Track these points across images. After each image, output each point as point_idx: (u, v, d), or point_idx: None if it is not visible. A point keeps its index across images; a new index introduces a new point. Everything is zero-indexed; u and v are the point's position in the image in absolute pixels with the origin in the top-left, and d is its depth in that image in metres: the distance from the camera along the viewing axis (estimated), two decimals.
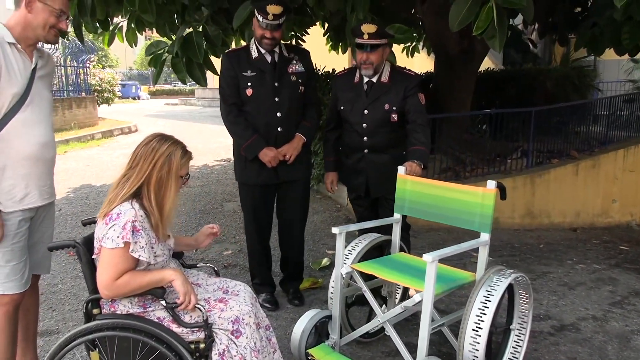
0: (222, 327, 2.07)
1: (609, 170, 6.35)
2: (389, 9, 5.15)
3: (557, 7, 6.19)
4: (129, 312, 2.05)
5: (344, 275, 2.72)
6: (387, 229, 3.04)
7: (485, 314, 2.29)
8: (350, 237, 2.97)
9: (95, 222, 2.12)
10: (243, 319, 2.10)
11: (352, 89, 3.30)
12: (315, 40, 6.91)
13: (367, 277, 2.78)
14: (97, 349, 2.05)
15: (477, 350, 2.28)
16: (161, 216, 2.06)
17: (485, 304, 2.32)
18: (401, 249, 3.06)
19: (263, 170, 3.34)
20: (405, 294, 3.19)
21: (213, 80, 25.80)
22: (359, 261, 2.79)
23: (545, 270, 4.50)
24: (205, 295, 2.18)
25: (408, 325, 3.28)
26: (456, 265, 2.87)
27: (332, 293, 2.78)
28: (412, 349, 2.46)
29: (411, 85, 3.18)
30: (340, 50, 6.93)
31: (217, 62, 4.73)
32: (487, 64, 9.25)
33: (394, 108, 3.18)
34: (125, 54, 42.65)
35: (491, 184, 2.57)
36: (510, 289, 2.61)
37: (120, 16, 5.38)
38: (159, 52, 4.36)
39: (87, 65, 14.92)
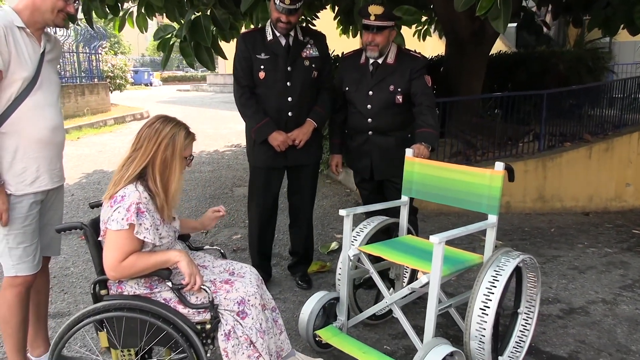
0: (228, 308, 2.09)
1: (623, 154, 6.26)
2: None
3: None
4: (135, 293, 2.08)
5: (351, 257, 2.72)
6: (394, 213, 3.04)
7: (493, 295, 2.28)
8: (358, 221, 2.97)
9: (101, 205, 2.14)
10: (249, 300, 2.12)
11: (357, 69, 3.27)
12: (325, 24, 6.86)
13: (374, 260, 2.78)
14: (105, 330, 2.08)
15: (484, 332, 2.27)
16: (166, 197, 2.07)
17: (493, 285, 2.31)
18: (409, 232, 3.05)
19: (272, 154, 3.33)
20: (414, 276, 3.19)
21: (225, 66, 25.80)
22: (367, 244, 2.79)
23: (555, 254, 4.47)
24: (211, 276, 2.20)
25: (415, 307, 3.29)
26: (466, 248, 2.87)
27: (339, 275, 2.79)
28: (420, 331, 2.46)
29: (417, 67, 3.15)
30: (350, 34, 6.88)
31: (225, 46, 4.73)
32: (499, 47, 9.14)
33: (399, 89, 3.16)
34: (137, 41, 42.68)
35: (499, 166, 2.54)
36: (518, 271, 2.60)
37: (130, 1, 5.38)
38: (167, 36, 4.34)
39: (99, 51, 14.96)
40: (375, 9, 3.04)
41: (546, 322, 3.23)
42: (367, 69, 3.23)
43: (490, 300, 2.28)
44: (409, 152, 2.92)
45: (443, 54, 7.54)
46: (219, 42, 4.80)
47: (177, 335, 2.02)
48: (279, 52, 3.26)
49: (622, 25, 5.25)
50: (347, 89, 3.30)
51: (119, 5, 5.12)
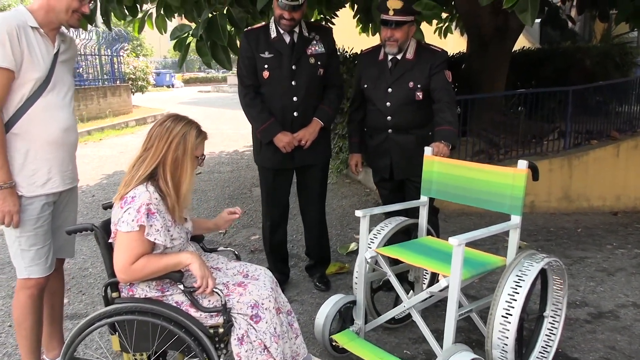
0: (241, 312, 2.03)
1: None
2: None
3: None
4: (147, 295, 2.03)
5: (369, 260, 2.65)
6: (415, 214, 2.95)
7: (516, 300, 2.18)
8: (378, 222, 2.89)
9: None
10: (262, 304, 2.06)
11: (376, 66, 3.19)
12: (345, 22, 6.79)
13: (393, 262, 2.71)
14: (116, 333, 2.04)
15: (507, 337, 2.18)
16: (177, 198, 2.02)
17: (516, 289, 2.21)
18: (429, 233, 2.96)
19: (279, 154, 3.27)
20: (434, 279, 3.10)
21: None
22: (385, 245, 2.71)
23: (582, 256, 4.32)
24: (224, 279, 2.15)
25: (437, 310, 3.20)
26: (489, 250, 2.77)
27: (356, 278, 2.72)
28: (441, 335, 2.38)
29: (437, 62, 3.06)
30: (370, 32, 6.79)
31: None
32: (522, 42, 8.95)
33: (419, 86, 3.07)
34: (159, 43, 43.00)
35: (522, 164, 2.44)
36: (543, 274, 2.50)
37: (149, 2, 5.38)
38: (184, 35, 4.32)
39: (121, 54, 15.12)
40: (394, 4, 2.96)
41: (573, 326, 3.11)
42: (386, 65, 3.15)
43: (513, 307, 2.18)
44: (428, 150, 2.84)
45: (464, 51, 7.40)
46: (236, 41, 4.76)
47: (189, 340, 1.97)
48: (283, 50, 3.18)
49: None
50: (365, 86, 3.23)
51: (137, 6, 5.12)
